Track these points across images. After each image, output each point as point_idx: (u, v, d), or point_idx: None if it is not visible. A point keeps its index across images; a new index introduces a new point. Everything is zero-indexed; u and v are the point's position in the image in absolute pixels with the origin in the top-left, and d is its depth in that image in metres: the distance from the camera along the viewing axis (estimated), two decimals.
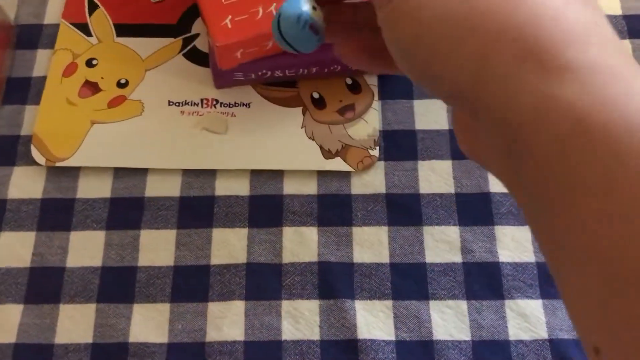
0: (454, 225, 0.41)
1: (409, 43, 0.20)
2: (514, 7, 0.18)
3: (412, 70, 0.21)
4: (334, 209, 0.42)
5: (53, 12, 0.48)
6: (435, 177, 0.43)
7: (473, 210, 0.42)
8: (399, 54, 0.21)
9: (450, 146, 0.44)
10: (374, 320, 0.39)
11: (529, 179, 0.18)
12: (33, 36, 0.47)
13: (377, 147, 0.43)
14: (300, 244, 0.41)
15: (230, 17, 0.40)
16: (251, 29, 0.40)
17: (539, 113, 0.17)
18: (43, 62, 0.46)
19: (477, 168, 0.43)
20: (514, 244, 0.41)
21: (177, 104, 0.44)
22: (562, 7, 0.18)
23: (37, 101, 0.45)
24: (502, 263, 0.40)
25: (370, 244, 0.41)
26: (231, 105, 0.44)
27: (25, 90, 0.45)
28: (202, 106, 0.44)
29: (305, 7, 0.24)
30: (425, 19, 0.19)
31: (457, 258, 0.40)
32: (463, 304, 0.39)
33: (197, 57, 0.46)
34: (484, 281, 0.40)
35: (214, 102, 0.44)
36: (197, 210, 0.42)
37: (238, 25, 0.40)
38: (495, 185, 0.42)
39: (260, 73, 0.43)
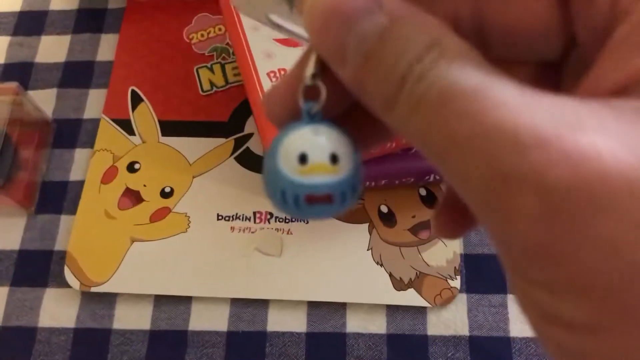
0: None
1: None
2: None
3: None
4: (407, 354, 0.35)
5: (93, 105, 0.44)
6: None
7: None
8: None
9: None
10: None
11: None
12: (71, 133, 0.43)
13: (458, 276, 0.37)
14: None
15: None
16: None
17: None
18: (81, 164, 0.42)
19: None
20: None
21: (226, 218, 0.39)
22: None
23: (73, 210, 0.40)
24: None
25: None
26: (287, 221, 0.39)
27: (60, 198, 0.41)
28: (254, 221, 0.39)
29: (288, 168, 0.14)
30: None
31: None
32: None
33: (250, 161, 0.41)
34: None
35: (268, 216, 0.39)
36: (246, 349, 0.36)
37: None
38: None
39: None
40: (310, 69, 0.14)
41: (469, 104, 0.11)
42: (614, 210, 0.10)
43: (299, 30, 0.17)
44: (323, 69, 0.14)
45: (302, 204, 0.14)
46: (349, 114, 0.16)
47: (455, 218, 0.18)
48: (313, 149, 0.14)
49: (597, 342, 0.11)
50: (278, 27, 0.17)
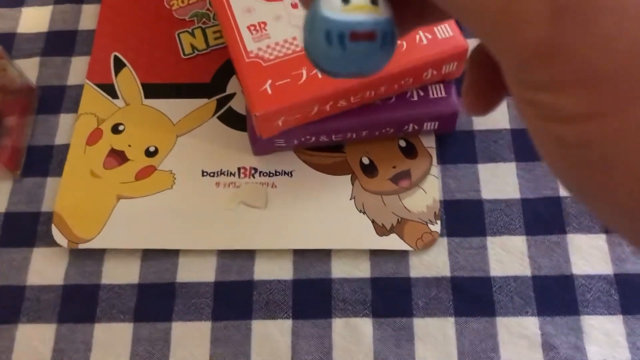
0: (532, 315, 0.35)
1: None
2: None
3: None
4: (391, 296, 0.36)
5: (77, 72, 0.44)
6: (508, 256, 0.37)
7: (554, 297, 0.36)
8: None
9: (524, 219, 0.38)
10: None
11: None
12: (56, 99, 0.43)
13: (439, 221, 0.38)
14: (353, 339, 0.35)
15: (270, 81, 0.35)
16: (294, 95, 0.35)
17: None
18: (66, 129, 0.42)
19: (555, 245, 0.37)
20: (605, 339, 0.35)
21: (211, 174, 0.40)
22: None
23: (59, 172, 0.41)
24: None
25: (435, 340, 0.35)
26: (271, 175, 0.40)
27: (46, 161, 0.41)
28: (239, 176, 0.40)
29: (331, 9, 0.15)
30: None
31: (538, 356, 0.34)
32: None
33: (233, 120, 0.41)
34: None
35: (253, 171, 0.40)
36: (234, 297, 0.37)
37: (279, 90, 0.35)
38: (579, 266, 0.36)
39: (303, 139, 0.39)
40: None
41: None
42: (614, 7, 0.12)
43: None
44: None
45: (347, 42, 0.15)
46: None
47: (484, 91, 0.19)
48: None
49: (597, 127, 0.12)
50: None
